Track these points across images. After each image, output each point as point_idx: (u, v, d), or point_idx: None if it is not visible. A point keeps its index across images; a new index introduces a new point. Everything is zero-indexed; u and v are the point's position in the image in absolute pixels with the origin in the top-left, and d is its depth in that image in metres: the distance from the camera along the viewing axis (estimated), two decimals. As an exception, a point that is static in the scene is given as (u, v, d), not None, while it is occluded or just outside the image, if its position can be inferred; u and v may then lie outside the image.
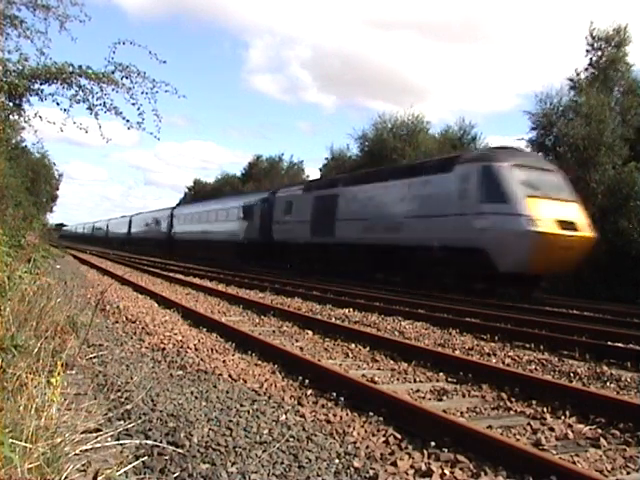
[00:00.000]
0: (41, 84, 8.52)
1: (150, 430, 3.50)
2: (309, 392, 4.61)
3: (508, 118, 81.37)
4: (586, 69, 23.26)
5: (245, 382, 4.86)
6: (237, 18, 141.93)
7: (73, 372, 4.50)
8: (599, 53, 22.82)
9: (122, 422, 3.48)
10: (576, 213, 14.19)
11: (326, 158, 43.20)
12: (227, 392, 4.50)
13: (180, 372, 5.16)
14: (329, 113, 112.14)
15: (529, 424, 4.02)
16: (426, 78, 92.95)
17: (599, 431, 3.91)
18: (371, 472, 3.02)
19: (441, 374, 5.53)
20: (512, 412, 4.39)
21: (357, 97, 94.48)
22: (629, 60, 22.70)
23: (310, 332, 7.85)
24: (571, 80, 23.18)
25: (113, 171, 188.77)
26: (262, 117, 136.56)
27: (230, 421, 3.76)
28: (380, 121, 31.81)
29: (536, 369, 6.07)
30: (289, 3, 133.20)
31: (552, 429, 3.91)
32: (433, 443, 3.40)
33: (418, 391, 4.89)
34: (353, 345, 6.88)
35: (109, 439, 2.86)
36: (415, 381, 5.31)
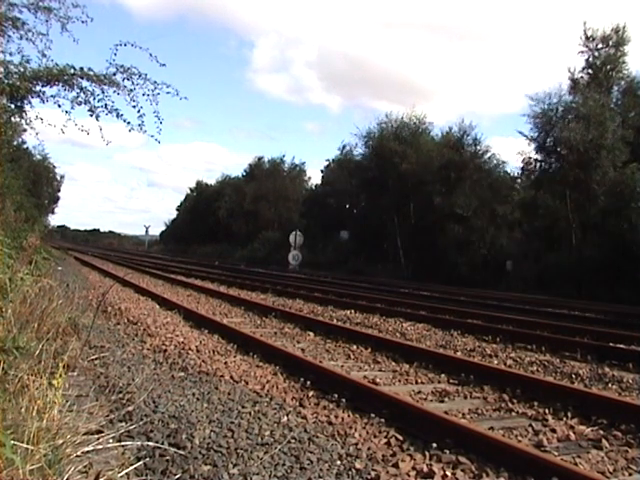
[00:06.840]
0: (43, 86, 8.54)
1: (152, 432, 3.50)
2: (311, 394, 4.61)
3: (517, 120, 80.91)
4: (582, 69, 23.17)
5: (247, 384, 4.86)
6: (243, 18, 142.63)
7: (75, 374, 4.50)
8: (595, 53, 22.71)
9: (124, 424, 3.48)
10: None
11: (327, 159, 43.19)
12: (229, 394, 4.50)
13: (182, 374, 5.16)
14: (335, 114, 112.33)
15: (531, 425, 4.02)
16: (433, 79, 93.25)
17: (601, 432, 3.91)
18: (373, 474, 3.02)
19: (443, 375, 5.53)
20: (514, 413, 4.39)
21: (363, 98, 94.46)
22: (628, 60, 22.60)
23: (312, 333, 7.84)
24: (572, 80, 23.10)
25: (116, 172, 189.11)
26: (268, 118, 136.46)
27: (232, 423, 3.76)
28: (386, 120, 31.52)
29: (538, 370, 6.06)
30: (295, 3, 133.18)
31: (554, 430, 3.90)
32: (435, 444, 3.40)
33: (420, 392, 4.89)
34: (355, 346, 6.88)
35: (110, 441, 2.85)
36: (417, 382, 5.31)
